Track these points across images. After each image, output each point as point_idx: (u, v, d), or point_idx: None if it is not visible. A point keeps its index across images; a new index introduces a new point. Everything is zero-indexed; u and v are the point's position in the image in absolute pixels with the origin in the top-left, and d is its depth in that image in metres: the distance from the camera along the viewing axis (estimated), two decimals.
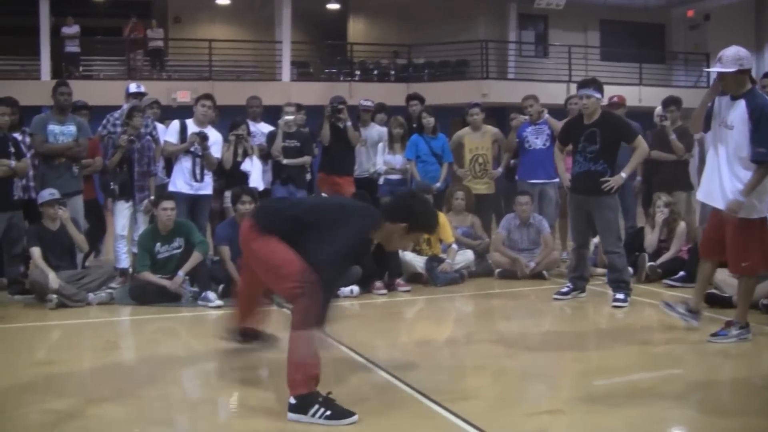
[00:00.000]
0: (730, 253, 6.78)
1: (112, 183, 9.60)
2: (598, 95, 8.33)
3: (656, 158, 10.40)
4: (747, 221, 6.55)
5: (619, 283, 8.44)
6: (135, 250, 9.22)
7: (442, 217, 10.10)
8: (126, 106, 9.93)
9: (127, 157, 9.57)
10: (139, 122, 9.60)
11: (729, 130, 6.57)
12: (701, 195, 6.99)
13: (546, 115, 10.81)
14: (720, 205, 6.65)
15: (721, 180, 6.62)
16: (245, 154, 10.22)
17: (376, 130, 11.42)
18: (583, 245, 8.74)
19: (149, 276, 8.70)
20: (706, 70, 7.26)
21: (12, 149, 8.79)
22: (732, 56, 6.46)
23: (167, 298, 8.58)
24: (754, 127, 6.38)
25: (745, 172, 6.47)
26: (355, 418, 4.73)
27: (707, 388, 5.73)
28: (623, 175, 8.33)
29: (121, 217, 9.65)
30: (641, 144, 8.46)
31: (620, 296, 8.34)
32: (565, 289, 8.79)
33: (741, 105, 6.48)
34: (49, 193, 8.83)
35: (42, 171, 9.34)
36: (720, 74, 6.58)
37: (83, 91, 14.46)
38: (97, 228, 10.54)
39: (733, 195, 6.50)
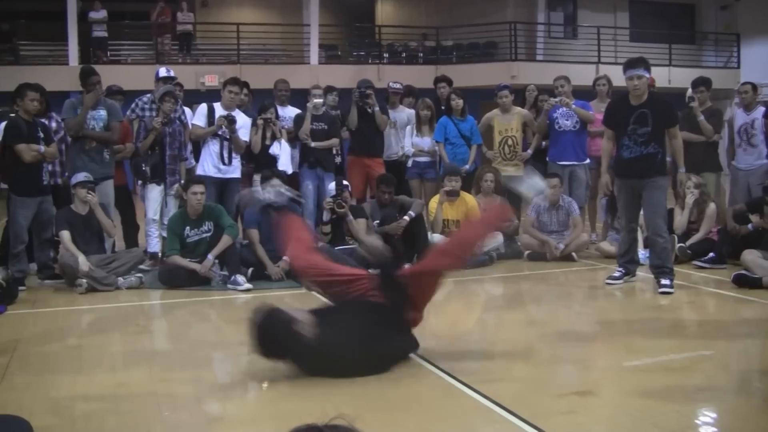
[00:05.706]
0: None
1: (144, 165, 9.65)
2: (648, 74, 8.04)
3: (685, 139, 10.33)
4: None
5: (662, 269, 8.13)
6: (165, 234, 9.26)
7: (471, 200, 10.10)
8: (161, 90, 9.95)
9: (159, 141, 9.64)
10: (170, 107, 9.64)
11: None
12: None
13: (573, 105, 10.65)
14: None
15: None
16: (273, 138, 10.24)
17: (405, 113, 11.40)
18: (635, 228, 8.53)
19: (179, 260, 8.74)
20: None
21: (41, 134, 8.81)
22: None
23: (197, 281, 8.62)
24: None
25: None
26: None
27: (737, 368, 5.71)
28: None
29: (153, 201, 9.71)
30: (678, 134, 8.27)
31: (666, 282, 8.02)
32: (617, 274, 8.54)
33: None
34: (84, 175, 8.89)
35: (72, 156, 9.39)
36: None
37: (111, 75, 14.47)
38: (129, 214, 10.57)
39: None
